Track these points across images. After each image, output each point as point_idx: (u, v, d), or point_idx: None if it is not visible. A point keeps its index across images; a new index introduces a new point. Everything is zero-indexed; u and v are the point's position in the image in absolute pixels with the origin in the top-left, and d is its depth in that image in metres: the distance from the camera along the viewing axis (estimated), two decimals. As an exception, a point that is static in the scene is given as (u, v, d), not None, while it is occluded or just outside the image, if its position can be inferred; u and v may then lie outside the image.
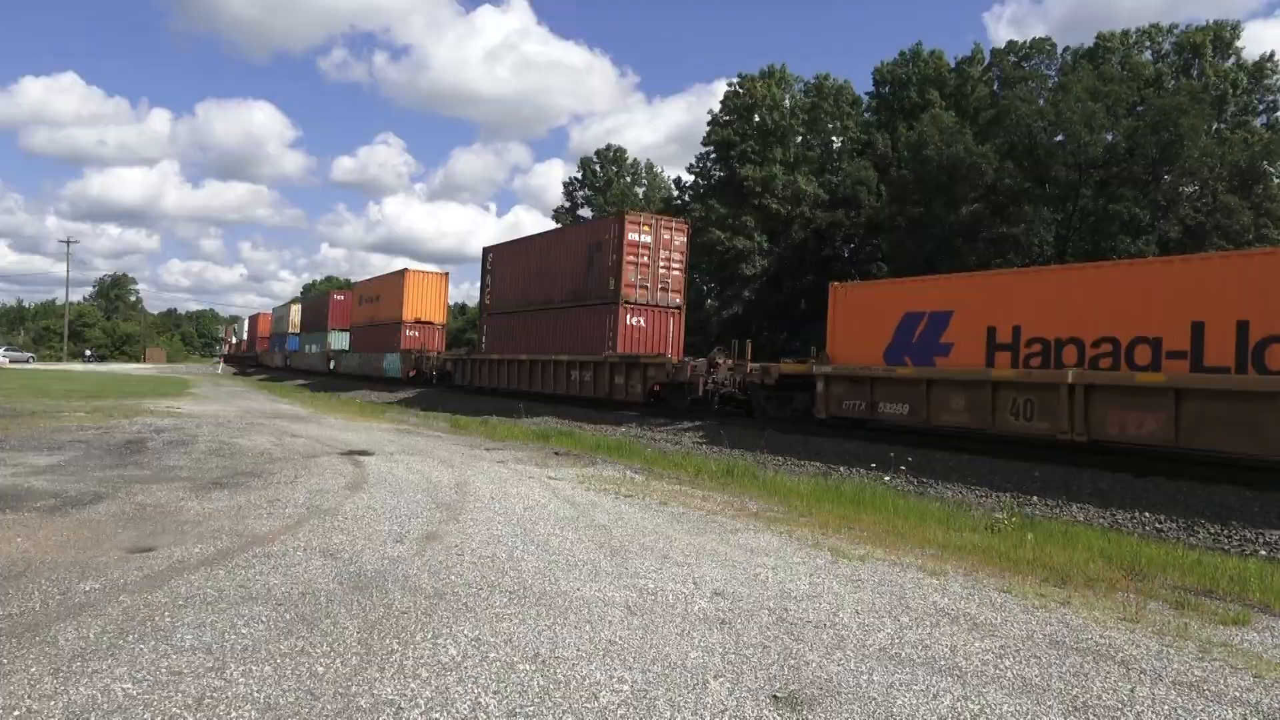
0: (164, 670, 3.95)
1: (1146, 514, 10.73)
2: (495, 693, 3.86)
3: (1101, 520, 10.68)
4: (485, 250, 32.17)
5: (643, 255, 23.70)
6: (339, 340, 48.36)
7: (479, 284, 32.43)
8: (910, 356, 15.57)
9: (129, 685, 3.76)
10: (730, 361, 20.88)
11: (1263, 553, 9.06)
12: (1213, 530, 9.98)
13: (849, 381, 16.50)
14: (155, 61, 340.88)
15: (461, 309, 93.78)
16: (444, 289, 40.06)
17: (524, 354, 27.78)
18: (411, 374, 36.09)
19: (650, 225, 24.18)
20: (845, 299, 17.35)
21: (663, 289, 24.13)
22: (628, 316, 23.57)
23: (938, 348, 15.12)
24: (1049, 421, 13.18)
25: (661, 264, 24.02)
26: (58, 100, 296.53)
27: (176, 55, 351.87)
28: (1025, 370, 13.63)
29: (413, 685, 3.89)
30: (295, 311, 60.62)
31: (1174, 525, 10.28)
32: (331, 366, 47.80)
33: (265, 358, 69.27)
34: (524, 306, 28.75)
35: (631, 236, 23.56)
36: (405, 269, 39.40)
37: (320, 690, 3.78)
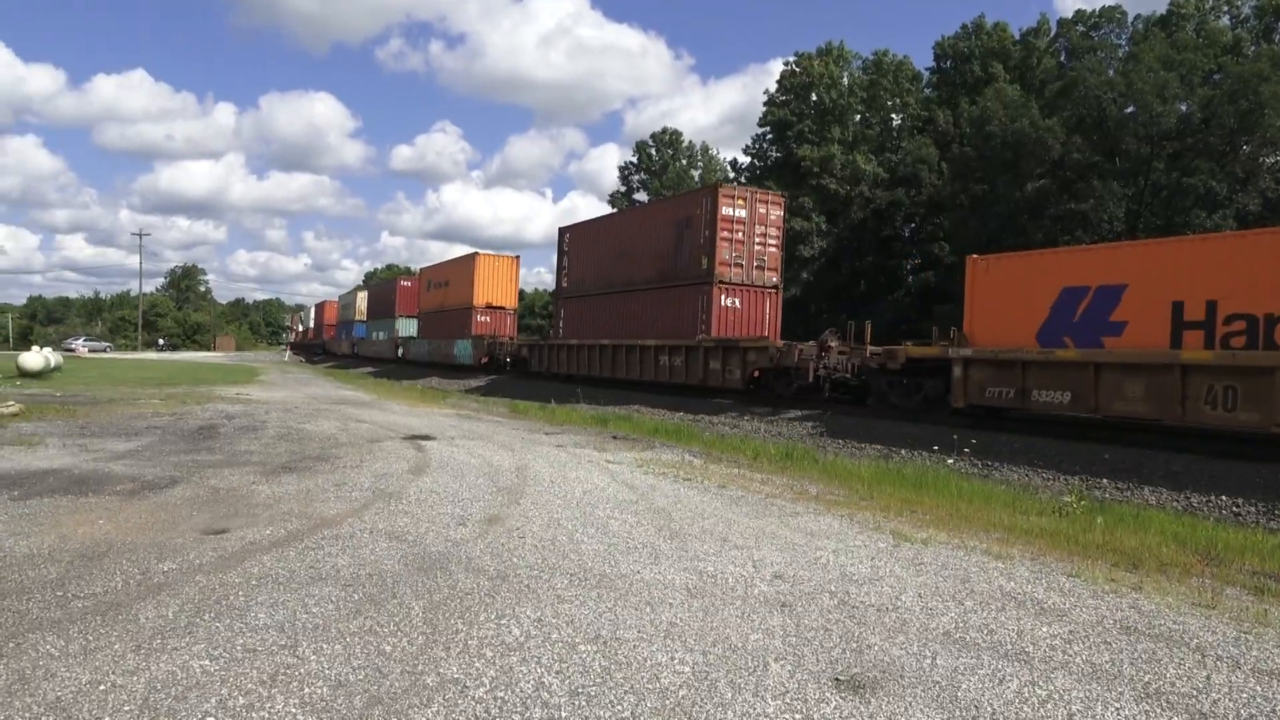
0: (239, 647, 4.08)
1: (1223, 497, 10.39)
2: (558, 673, 3.91)
3: (1175, 504, 10.37)
4: (561, 230, 31.34)
5: (737, 231, 22.07)
6: (407, 327, 47.92)
7: (554, 267, 31.10)
8: (1071, 337, 13.68)
9: (207, 662, 3.90)
10: (839, 344, 18.98)
11: (1348, 537, 8.70)
12: (1294, 514, 9.61)
13: (993, 366, 14.69)
14: (219, 57, 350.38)
15: (519, 295, 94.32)
16: (515, 273, 39.05)
17: (606, 339, 26.50)
18: (484, 361, 35.12)
19: (745, 199, 22.48)
20: (986, 274, 15.42)
21: (758, 267, 22.44)
22: (722, 297, 22.03)
23: (1107, 326, 13.24)
24: (1259, 413, 11.33)
25: (757, 240, 22.35)
26: (128, 97, 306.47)
27: (239, 50, 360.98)
28: (1226, 352, 11.71)
29: (477, 664, 3.96)
30: (361, 299, 60.52)
31: (1253, 509, 9.93)
32: (400, 354, 47.03)
33: (332, 345, 69.48)
34: (605, 289, 27.43)
35: (725, 211, 21.96)
36: (476, 253, 38.37)
37: (388, 668, 3.88)
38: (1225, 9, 44.75)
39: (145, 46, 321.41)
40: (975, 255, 16.38)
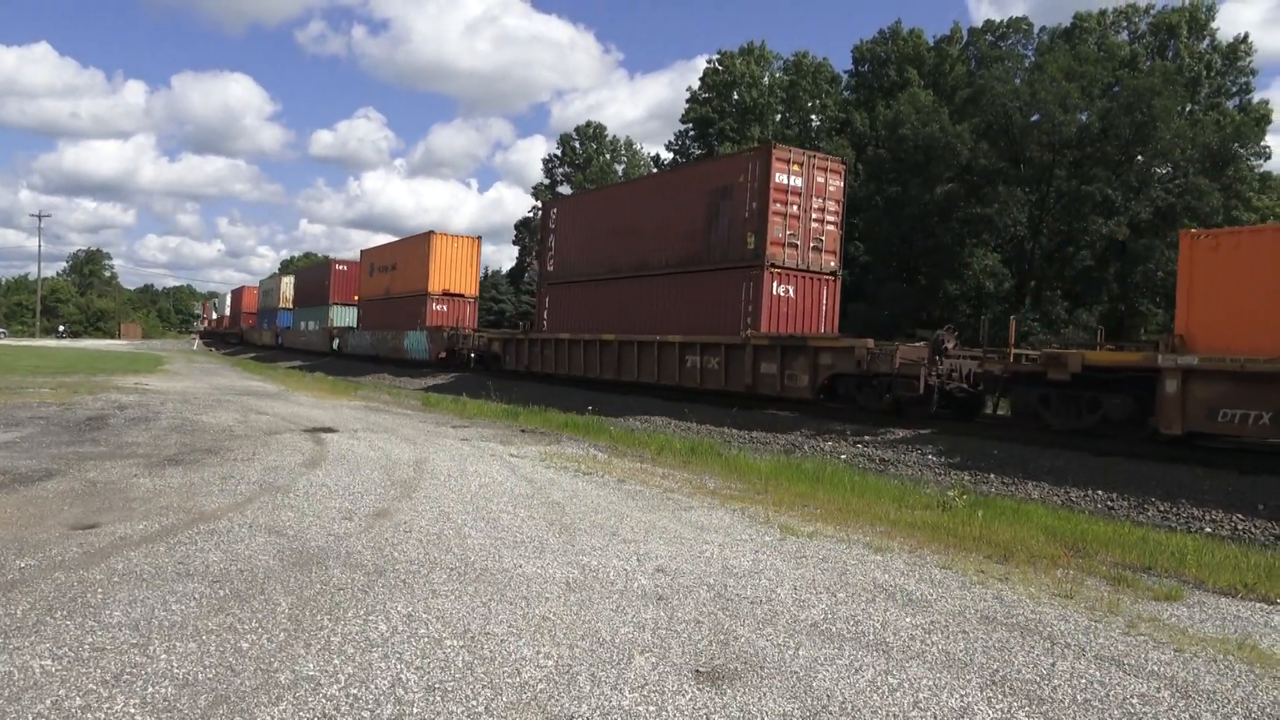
0: (87, 647, 3.94)
1: (1100, 492, 10.88)
2: (418, 669, 3.88)
3: (1056, 498, 10.82)
4: (545, 206, 27.78)
5: (792, 204, 18.45)
6: (344, 316, 43.83)
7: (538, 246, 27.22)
8: None
9: (48, 662, 3.76)
10: (955, 344, 15.24)
11: (1207, 530, 9.24)
12: (1162, 508, 10.14)
13: (1235, 380, 10.93)
14: (130, 33, 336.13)
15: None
16: (476, 256, 34.78)
17: (610, 333, 22.49)
18: (442, 356, 31.28)
19: (801, 164, 18.67)
20: (1214, 255, 11.58)
21: (815, 248, 18.87)
22: (774, 284, 18.41)
23: None
24: None
25: (814, 215, 18.78)
26: (30, 71, 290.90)
27: (152, 26, 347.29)
28: None
29: (336, 661, 3.91)
30: (287, 284, 55.77)
31: (1125, 504, 10.43)
32: (335, 346, 42.97)
33: (251, 335, 65.16)
34: (607, 273, 23.41)
35: (779, 179, 18.25)
36: (431, 232, 33.79)
37: (241, 666, 3.79)
38: (1124, 25, 46.81)
39: (49, 18, 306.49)
40: (1195, 230, 12.68)
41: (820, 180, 18.96)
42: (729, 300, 19.02)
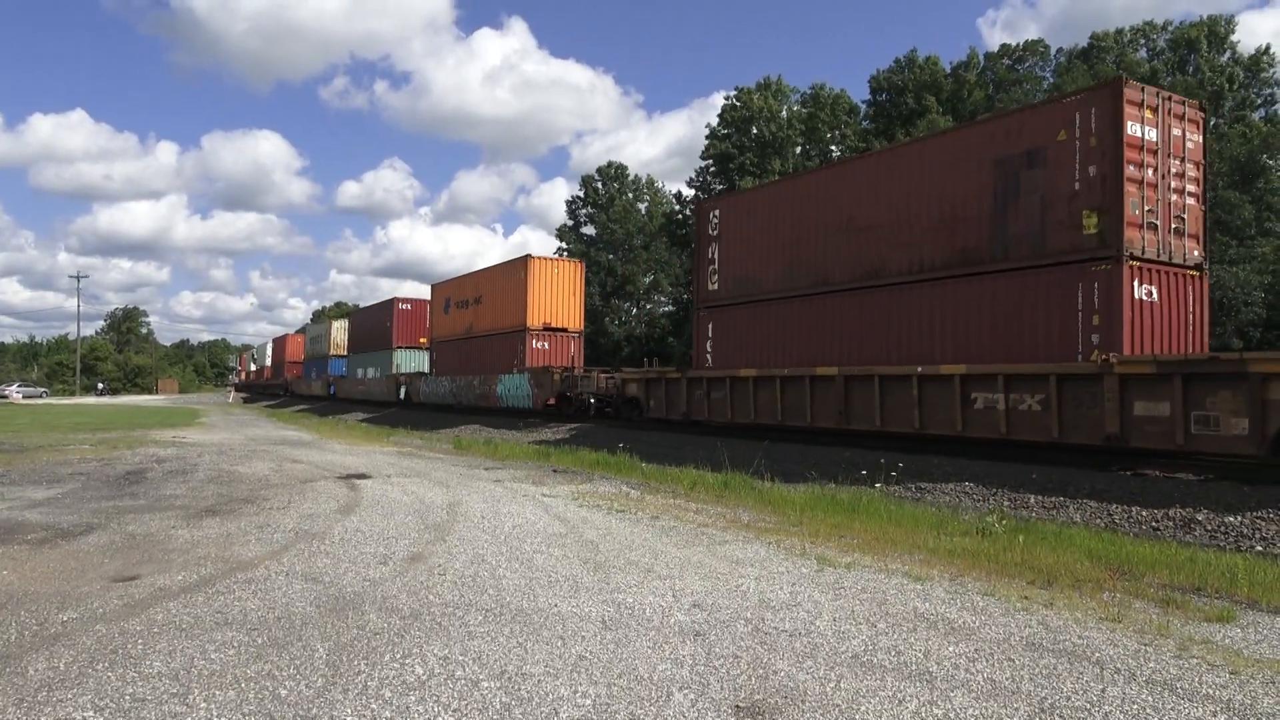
0: (128, 698, 3.96)
1: (1143, 513, 10.64)
2: (455, 710, 3.86)
3: (1098, 520, 10.59)
4: (701, 208, 21.99)
5: (1148, 167, 12.85)
6: (412, 360, 39.20)
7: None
8: None
9: (91, 713, 3.78)
10: None
11: (1258, 548, 8.99)
12: (1210, 528, 9.89)
13: None
14: (161, 96, 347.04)
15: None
16: (579, 284, 29.55)
17: (830, 364, 16.42)
18: (550, 402, 26.58)
19: (1155, 109, 12.91)
20: None
21: (1175, 230, 13.20)
22: (1135, 284, 12.65)
23: None
24: None
25: (1172, 183, 13.17)
26: (66, 137, 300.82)
27: (182, 89, 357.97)
28: None
29: (373, 706, 3.90)
30: (338, 329, 51.14)
31: (1170, 523, 10.19)
32: (404, 395, 37.98)
33: (298, 386, 60.71)
34: (807, 287, 17.77)
35: (1132, 130, 12.65)
36: (529, 255, 28.79)
37: (280, 713, 3.79)
38: (1142, 42, 46.66)
39: (85, 86, 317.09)
40: None
41: (1177, 133, 13.27)
42: (1051, 310, 13.37)
